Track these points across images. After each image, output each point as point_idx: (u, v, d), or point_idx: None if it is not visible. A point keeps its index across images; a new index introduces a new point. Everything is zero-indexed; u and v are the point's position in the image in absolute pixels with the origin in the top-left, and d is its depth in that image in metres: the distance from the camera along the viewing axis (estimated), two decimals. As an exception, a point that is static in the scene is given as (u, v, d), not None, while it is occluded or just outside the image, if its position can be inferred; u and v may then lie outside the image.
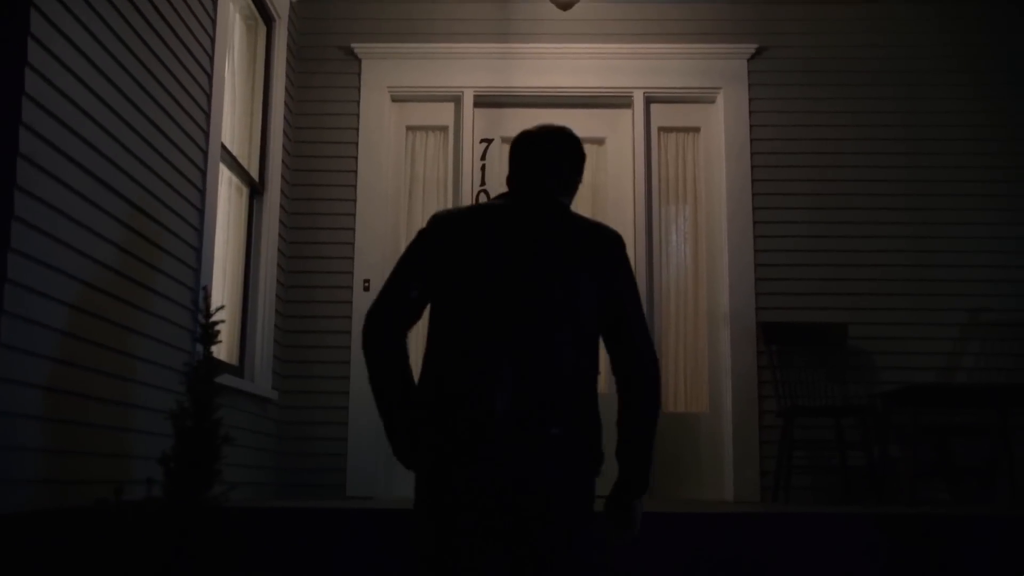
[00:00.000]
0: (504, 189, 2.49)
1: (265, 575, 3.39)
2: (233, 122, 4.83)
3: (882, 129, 5.61)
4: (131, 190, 3.40)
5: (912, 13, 5.73)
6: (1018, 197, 5.53)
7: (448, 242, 2.32)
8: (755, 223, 5.53)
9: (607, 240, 2.36)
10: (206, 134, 4.18)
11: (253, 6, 5.02)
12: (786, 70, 5.69)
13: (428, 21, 5.72)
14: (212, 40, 4.24)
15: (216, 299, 4.13)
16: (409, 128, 5.82)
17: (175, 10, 3.80)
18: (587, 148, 6.23)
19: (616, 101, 5.75)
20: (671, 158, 5.80)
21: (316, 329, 5.41)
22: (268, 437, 5.12)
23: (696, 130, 5.80)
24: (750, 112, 5.64)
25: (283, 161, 5.34)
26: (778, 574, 3.43)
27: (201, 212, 4.11)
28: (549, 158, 2.43)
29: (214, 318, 3.36)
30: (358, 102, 5.65)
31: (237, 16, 4.88)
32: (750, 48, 5.68)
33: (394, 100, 5.75)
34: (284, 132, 5.36)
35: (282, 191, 5.32)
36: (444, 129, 5.79)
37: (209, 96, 4.21)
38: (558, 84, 5.68)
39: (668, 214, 5.75)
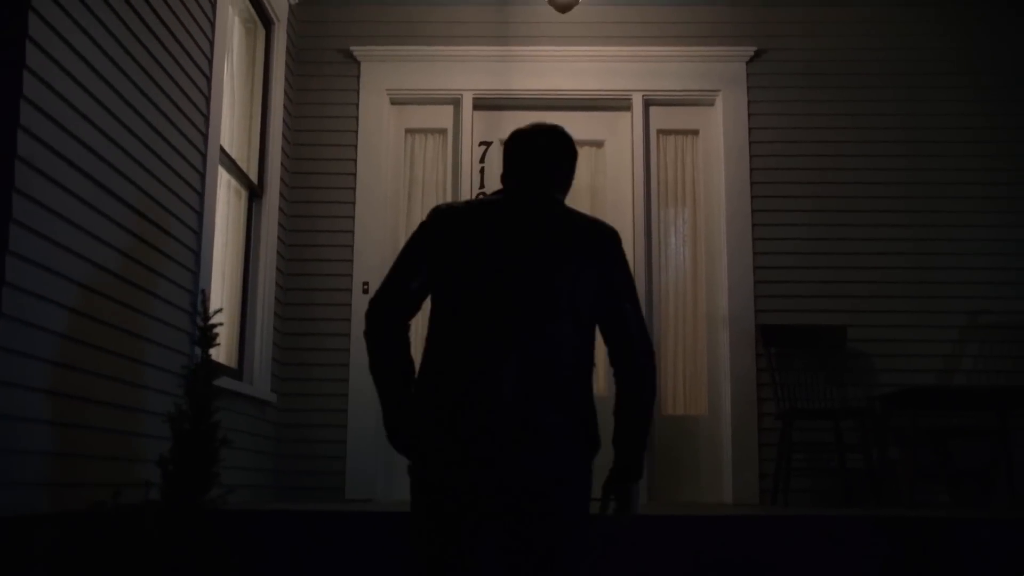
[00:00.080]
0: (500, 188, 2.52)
1: (263, 578, 3.39)
2: (232, 125, 4.83)
3: (881, 132, 5.61)
4: (130, 193, 3.41)
5: (911, 15, 5.74)
6: (1017, 199, 5.53)
7: (449, 234, 2.37)
8: (754, 225, 5.53)
9: (604, 235, 2.42)
10: (205, 137, 4.18)
11: (252, 9, 5.03)
12: (785, 73, 5.69)
13: (427, 24, 5.72)
14: (211, 43, 4.25)
15: (215, 302, 4.13)
16: (408, 131, 5.82)
17: (174, 13, 3.80)
18: (586, 151, 6.25)
19: (615, 104, 5.76)
20: (670, 161, 5.80)
21: (315, 332, 5.41)
22: (267, 440, 5.12)
23: (695, 133, 5.81)
24: (749, 115, 5.64)
25: (282, 164, 5.34)
26: (777, 577, 3.43)
27: (200, 215, 4.11)
28: (544, 156, 2.47)
29: (212, 321, 3.37)
30: (357, 105, 5.66)
31: (236, 19, 4.89)
32: (749, 51, 5.68)
33: (393, 103, 5.76)
34: (283, 135, 5.36)
35: (281, 194, 5.33)
36: (443, 132, 5.79)
37: (208, 99, 4.21)
38: (557, 87, 5.69)
39: (667, 216, 5.76)
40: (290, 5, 5.48)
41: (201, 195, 4.13)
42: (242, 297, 4.91)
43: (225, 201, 4.73)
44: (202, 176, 4.14)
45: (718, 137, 5.68)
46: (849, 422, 5.07)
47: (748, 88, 5.67)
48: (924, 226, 5.51)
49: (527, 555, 2.23)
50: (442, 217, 2.41)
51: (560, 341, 2.27)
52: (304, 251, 5.49)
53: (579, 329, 2.32)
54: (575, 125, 5.70)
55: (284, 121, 5.37)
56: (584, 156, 5.76)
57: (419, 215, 5.65)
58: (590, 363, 2.35)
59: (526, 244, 2.33)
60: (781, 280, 5.46)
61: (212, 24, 4.26)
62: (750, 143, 5.61)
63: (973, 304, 5.42)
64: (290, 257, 5.45)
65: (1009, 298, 5.41)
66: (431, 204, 5.66)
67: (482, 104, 5.72)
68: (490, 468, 2.21)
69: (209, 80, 4.22)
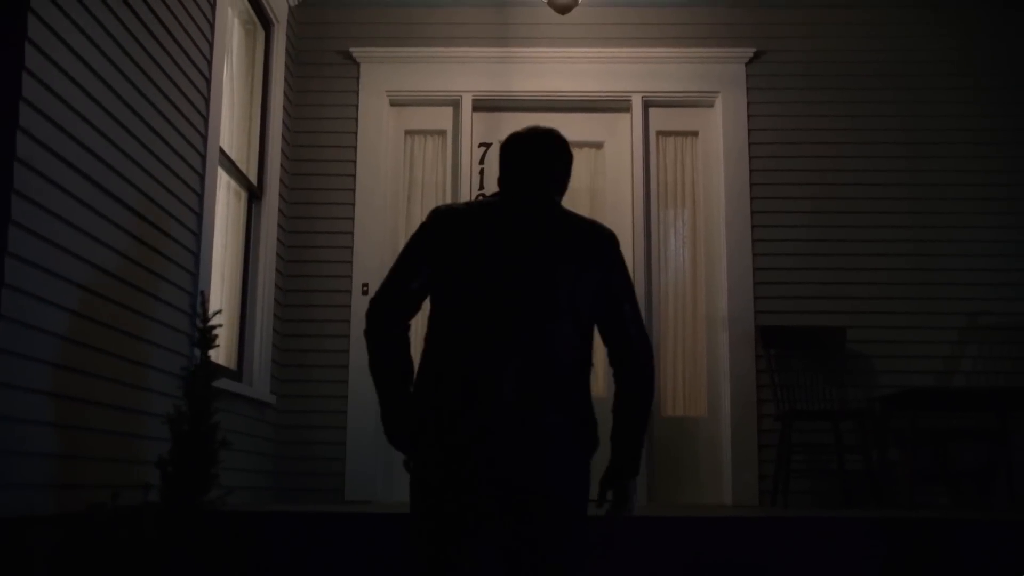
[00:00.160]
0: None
1: (263, 579, 3.39)
2: (232, 126, 4.83)
3: (881, 133, 5.61)
4: (129, 194, 3.41)
5: (911, 17, 5.74)
6: (1016, 200, 5.53)
7: (449, 235, 2.38)
8: (753, 227, 5.53)
9: (603, 237, 2.44)
10: (204, 138, 4.18)
11: (252, 11, 5.03)
12: (784, 74, 5.69)
13: (427, 25, 5.73)
14: (210, 45, 4.25)
15: (214, 303, 4.13)
16: (408, 132, 5.82)
17: (173, 15, 3.81)
18: (585, 152, 6.24)
19: (614, 105, 5.76)
20: (669, 162, 5.80)
21: (315, 333, 5.41)
22: (266, 441, 5.12)
23: (694, 134, 5.81)
24: (748, 116, 5.64)
25: (282, 165, 5.34)
26: (776, 578, 3.43)
27: (199, 216, 4.11)
28: (541, 158, 2.48)
29: (212, 322, 3.37)
30: (357, 106, 5.66)
31: (236, 21, 4.89)
32: (748, 52, 5.68)
33: (393, 104, 5.76)
34: (283, 136, 5.36)
35: (280, 195, 5.33)
36: (443, 133, 5.80)
37: (207, 100, 4.21)
38: (557, 88, 5.69)
39: (666, 218, 5.76)
40: (290, 6, 5.49)
41: (200, 196, 4.13)
42: (241, 298, 4.91)
43: (224, 202, 4.73)
44: (201, 177, 4.15)
45: (717, 138, 5.69)
46: (849, 423, 5.07)
47: (747, 89, 5.67)
48: (924, 227, 5.51)
49: (527, 555, 2.25)
50: (442, 218, 2.42)
51: (560, 341, 2.30)
52: (303, 252, 5.49)
53: (578, 329, 2.34)
54: (574, 126, 5.80)
55: (283, 122, 5.38)
56: (583, 157, 5.77)
57: (419, 216, 5.65)
58: (589, 363, 2.39)
59: (526, 245, 2.35)
60: (781, 281, 5.46)
61: (211, 26, 4.26)
62: (749, 144, 5.61)
63: (973, 305, 5.41)
64: (289, 258, 5.45)
65: (1009, 299, 5.41)
66: (430, 205, 5.67)
67: (482, 105, 5.72)
68: (491, 468, 2.22)
69: (208, 81, 4.23)
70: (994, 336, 5.38)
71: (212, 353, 3.44)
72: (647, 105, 5.74)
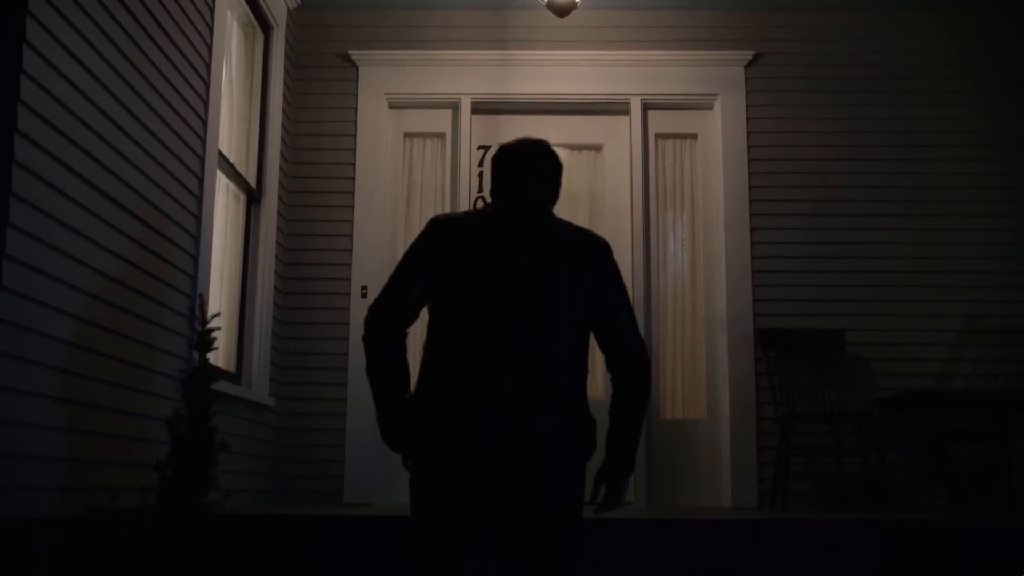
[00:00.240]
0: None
1: (261, 582, 3.38)
2: (231, 129, 4.83)
3: (880, 135, 5.61)
4: (128, 197, 3.41)
5: (910, 19, 5.74)
6: (1016, 203, 5.53)
7: (449, 244, 2.43)
8: (752, 229, 5.53)
9: (597, 245, 2.50)
10: (203, 141, 4.18)
11: (251, 14, 5.03)
12: (783, 77, 5.69)
13: (425, 28, 5.73)
14: (209, 48, 4.25)
15: (213, 306, 4.13)
16: (407, 135, 5.82)
17: (172, 18, 3.81)
18: (585, 155, 6.24)
19: (613, 108, 5.76)
20: (668, 165, 5.81)
21: (314, 336, 5.41)
22: (265, 444, 5.12)
23: (693, 137, 5.81)
24: (747, 119, 5.65)
25: (281, 168, 5.34)
26: (775, 581, 3.43)
27: (198, 219, 4.11)
28: (533, 169, 2.53)
29: (210, 325, 3.37)
30: (356, 109, 5.66)
31: (235, 24, 4.89)
32: (747, 55, 5.69)
33: (392, 107, 5.76)
34: (282, 139, 5.36)
35: (280, 198, 5.33)
36: (442, 136, 5.80)
37: (206, 103, 4.21)
38: (555, 91, 5.69)
39: (665, 220, 5.76)
40: (289, 10, 5.49)
41: (199, 199, 4.13)
42: (241, 301, 4.91)
43: (224, 205, 4.73)
44: (200, 180, 4.15)
45: (716, 141, 5.69)
46: (848, 426, 5.07)
47: (747, 92, 5.67)
48: (923, 230, 5.51)
49: (526, 556, 2.29)
50: (441, 227, 2.48)
51: (559, 344, 2.36)
52: (303, 255, 5.50)
53: (576, 334, 2.41)
54: (573, 129, 5.81)
55: (283, 125, 5.38)
56: (583, 160, 5.78)
57: (418, 219, 5.66)
58: (586, 366, 2.45)
59: (524, 253, 2.40)
60: (780, 284, 5.46)
61: (210, 29, 4.26)
62: (748, 147, 5.62)
63: (972, 308, 5.41)
64: (289, 261, 5.45)
65: (1008, 302, 5.41)
66: (430, 208, 5.75)
67: (481, 108, 5.73)
68: (493, 470, 2.27)
69: (208, 84, 4.23)
70: (993, 338, 5.38)
71: (211, 356, 3.44)
72: (646, 108, 5.74)
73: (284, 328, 5.37)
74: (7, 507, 2.66)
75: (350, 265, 5.49)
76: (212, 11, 4.28)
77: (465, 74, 5.71)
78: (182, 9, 3.92)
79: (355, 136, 5.62)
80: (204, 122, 4.19)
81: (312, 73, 5.69)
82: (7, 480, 2.66)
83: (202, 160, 4.16)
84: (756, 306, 5.44)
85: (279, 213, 5.31)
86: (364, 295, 5.40)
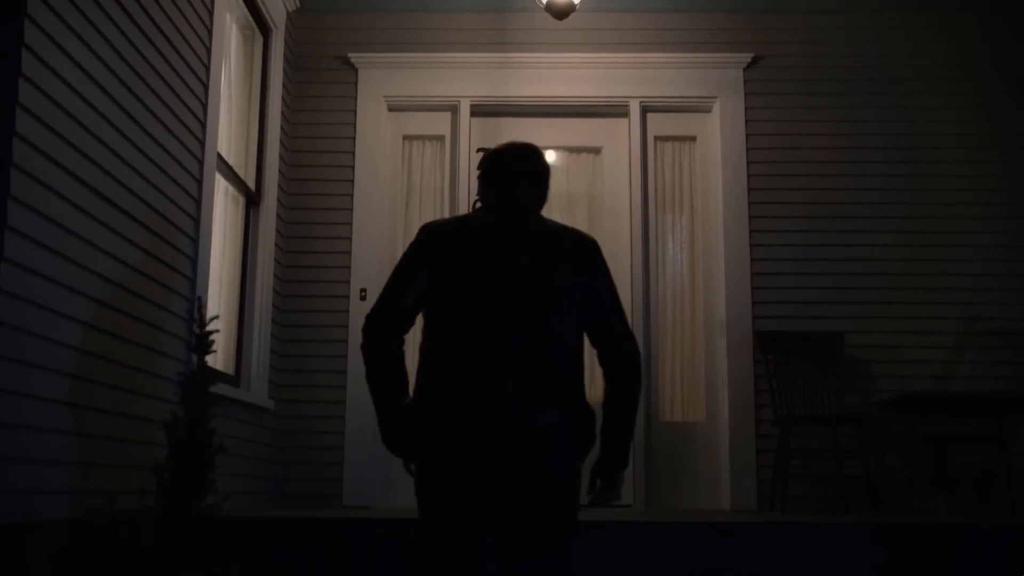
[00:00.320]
0: None
1: (260, 585, 3.38)
2: (229, 132, 4.83)
3: (879, 138, 5.61)
4: (126, 200, 3.41)
5: (910, 22, 5.74)
6: (1016, 205, 5.53)
7: (442, 249, 2.48)
8: (751, 232, 5.53)
9: (587, 244, 2.56)
10: (202, 144, 4.18)
11: (250, 16, 5.04)
12: (782, 79, 5.69)
13: (425, 31, 5.73)
14: (208, 50, 4.25)
15: (212, 309, 4.13)
16: (405, 137, 5.82)
17: (171, 20, 3.81)
18: (583, 157, 6.24)
19: (612, 110, 5.76)
20: (667, 167, 5.81)
21: (312, 338, 5.41)
22: (264, 446, 5.11)
23: (692, 139, 5.81)
24: (746, 121, 5.65)
25: (279, 171, 5.34)
26: (774, 583, 3.43)
27: (197, 222, 4.11)
28: (522, 173, 2.58)
29: (209, 328, 3.37)
30: (355, 112, 5.66)
31: (234, 26, 4.89)
32: (746, 57, 5.69)
33: (390, 109, 5.76)
34: (281, 142, 5.37)
35: (279, 200, 5.33)
36: (440, 139, 5.80)
37: (205, 106, 4.21)
38: (554, 94, 5.69)
39: (664, 223, 5.76)
40: (288, 12, 5.49)
41: (198, 202, 4.13)
42: (239, 304, 4.91)
43: (223, 208, 4.73)
44: (199, 183, 4.15)
45: (715, 144, 5.69)
46: (847, 428, 5.07)
47: (745, 95, 5.67)
48: (922, 232, 5.51)
49: (525, 553, 2.33)
50: (433, 234, 2.52)
51: (557, 342, 2.41)
52: (302, 258, 5.49)
53: (572, 331, 2.47)
54: (572, 132, 5.82)
55: (282, 128, 5.38)
56: (581, 163, 5.78)
57: (416, 222, 5.66)
58: (581, 363, 2.49)
59: (518, 254, 2.45)
60: (779, 286, 5.46)
61: (210, 31, 4.26)
62: (747, 150, 5.62)
63: (971, 310, 5.42)
64: (287, 264, 5.45)
65: (1007, 304, 5.41)
66: (428, 211, 5.75)
67: (479, 111, 5.73)
68: (495, 468, 2.31)
69: (206, 87, 4.23)
70: (992, 341, 5.38)
71: (210, 358, 3.44)
72: (645, 110, 5.75)
73: (283, 331, 5.36)
74: (6, 510, 2.65)
75: (349, 268, 5.48)
76: (211, 14, 4.28)
77: (464, 77, 5.71)
78: (181, 12, 3.92)
79: (354, 139, 5.63)
80: (203, 125, 4.19)
81: (311, 76, 5.69)
82: (6, 483, 2.66)
83: (201, 163, 4.16)
84: (755, 308, 5.44)
85: (278, 216, 5.31)
86: (363, 298, 5.40)
